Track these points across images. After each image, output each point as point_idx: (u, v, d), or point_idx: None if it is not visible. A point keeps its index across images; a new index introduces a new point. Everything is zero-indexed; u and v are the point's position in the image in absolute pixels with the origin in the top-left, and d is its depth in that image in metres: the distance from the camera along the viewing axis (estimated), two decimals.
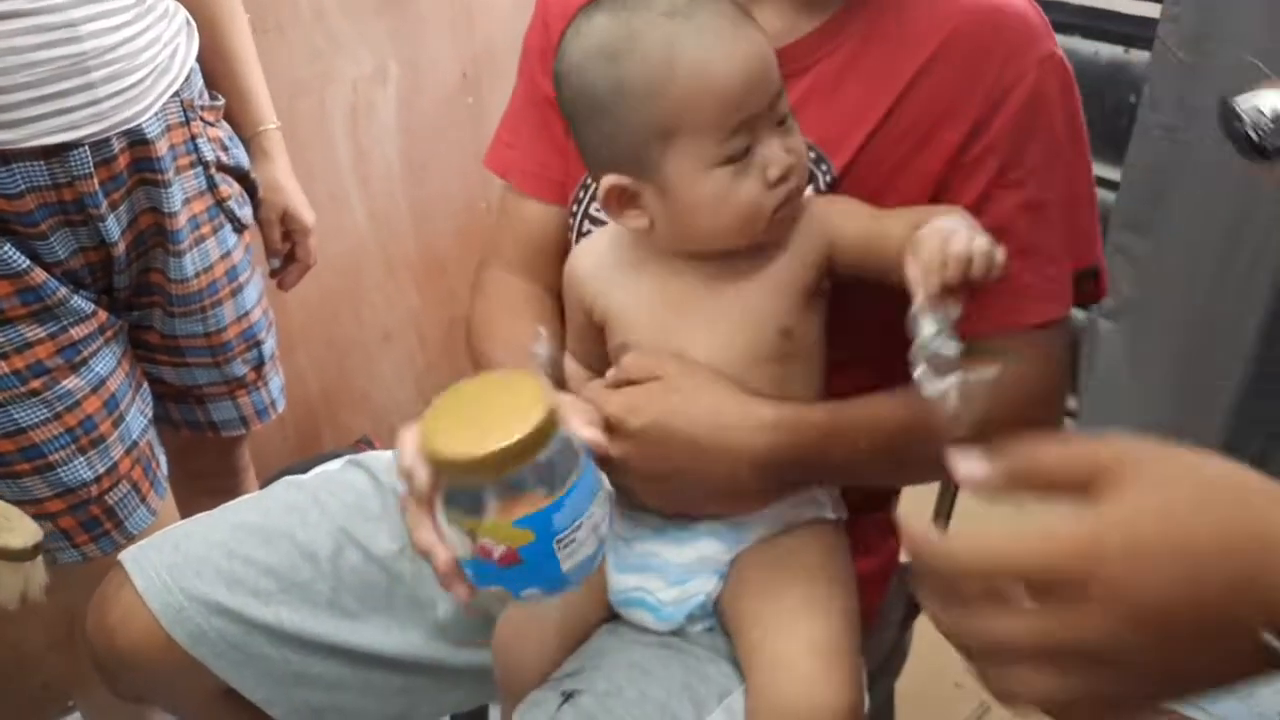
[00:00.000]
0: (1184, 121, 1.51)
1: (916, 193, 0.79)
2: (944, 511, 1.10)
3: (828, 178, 0.79)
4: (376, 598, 0.88)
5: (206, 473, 1.29)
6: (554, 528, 0.60)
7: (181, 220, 1.02)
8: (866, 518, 0.92)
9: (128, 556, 0.86)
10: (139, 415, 1.06)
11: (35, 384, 0.94)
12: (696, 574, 0.76)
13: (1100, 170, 1.71)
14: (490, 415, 0.61)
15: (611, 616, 0.81)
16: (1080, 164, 0.83)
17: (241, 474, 1.34)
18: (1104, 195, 1.68)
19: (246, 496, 0.95)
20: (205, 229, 1.07)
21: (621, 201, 0.73)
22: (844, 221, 0.74)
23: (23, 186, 0.89)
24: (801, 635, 0.71)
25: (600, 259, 0.79)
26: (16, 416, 0.94)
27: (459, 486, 0.62)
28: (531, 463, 0.59)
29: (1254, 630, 0.37)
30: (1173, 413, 1.69)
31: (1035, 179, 0.79)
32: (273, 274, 1.27)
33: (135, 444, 1.04)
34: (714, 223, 0.70)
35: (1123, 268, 1.68)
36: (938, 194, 0.79)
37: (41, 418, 0.95)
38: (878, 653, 1.00)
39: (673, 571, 0.76)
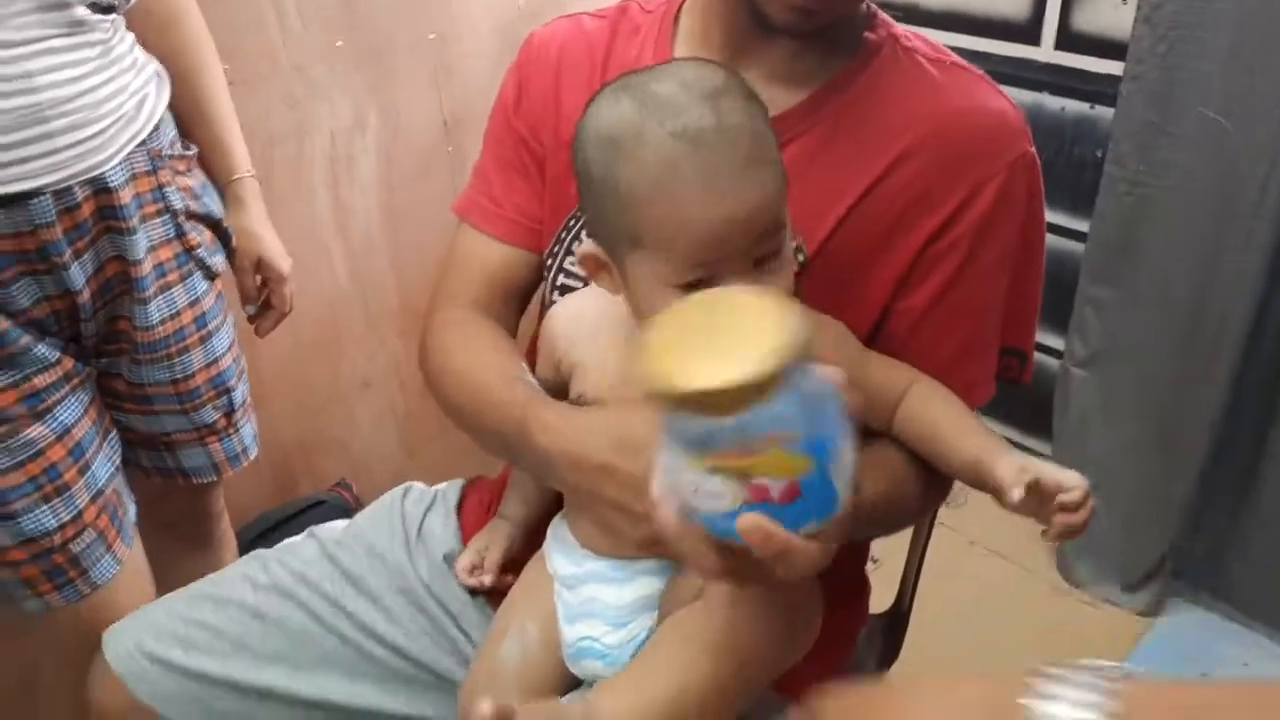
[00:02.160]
0: (1148, 176, 1.54)
1: (885, 279, 0.81)
2: (916, 562, 1.10)
3: (800, 258, 0.80)
4: (324, 653, 0.90)
5: (179, 520, 1.29)
6: (830, 445, 0.53)
7: (146, 267, 1.03)
8: (837, 577, 0.92)
9: (107, 633, 0.92)
10: (106, 463, 1.05)
11: None
12: (638, 614, 0.76)
13: (1069, 222, 1.76)
14: (724, 336, 0.52)
15: (572, 684, 0.81)
16: (1034, 262, 0.86)
17: (215, 520, 1.34)
18: (1073, 247, 1.72)
19: (212, 575, 0.98)
20: (172, 276, 1.07)
21: (595, 268, 0.74)
22: (834, 346, 0.76)
23: None
24: (675, 671, 0.69)
25: (579, 314, 0.81)
26: None
27: (720, 422, 0.51)
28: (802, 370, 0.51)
29: None
30: (1146, 457, 1.70)
31: (989, 277, 0.82)
32: (249, 320, 1.27)
33: (101, 492, 1.04)
34: None
35: (1092, 319, 1.70)
36: (902, 282, 0.81)
37: (4, 466, 0.95)
38: None
39: (615, 614, 0.77)
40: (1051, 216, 1.87)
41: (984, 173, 0.79)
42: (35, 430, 0.97)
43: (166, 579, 1.17)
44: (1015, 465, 0.68)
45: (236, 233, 1.19)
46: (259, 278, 1.23)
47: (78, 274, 0.97)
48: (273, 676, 0.88)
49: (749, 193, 0.66)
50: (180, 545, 1.31)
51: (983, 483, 0.71)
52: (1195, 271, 1.53)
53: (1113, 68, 1.63)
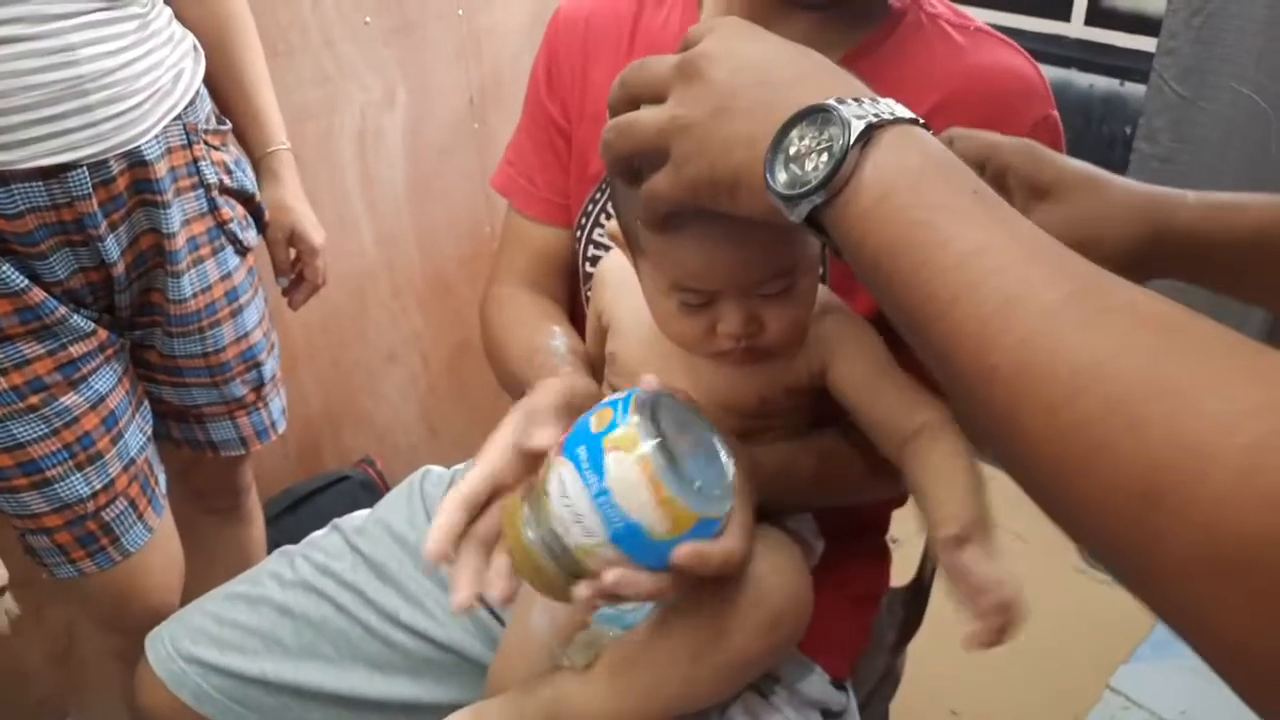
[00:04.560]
0: (1179, 153, 1.53)
1: None
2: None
3: None
4: (353, 645, 0.91)
5: (208, 491, 1.31)
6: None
7: (180, 241, 1.03)
8: (859, 543, 0.92)
9: (149, 637, 0.93)
10: (138, 433, 1.07)
11: (34, 400, 0.96)
12: None
13: None
14: None
15: None
16: None
17: (243, 493, 1.35)
18: None
19: (245, 573, 0.99)
20: (205, 250, 1.08)
21: (621, 245, 0.74)
22: (851, 358, 0.74)
23: (22, 207, 0.90)
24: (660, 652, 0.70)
25: (625, 269, 0.80)
26: (15, 432, 0.96)
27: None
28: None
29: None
30: None
31: None
32: (283, 293, 1.28)
33: (133, 461, 1.05)
34: (659, 327, 0.73)
35: None
36: None
37: (40, 434, 0.97)
38: (871, 676, 1.00)
39: None
40: None
41: (1008, 133, 0.78)
42: (70, 399, 0.98)
43: (195, 549, 1.19)
44: (949, 539, 0.62)
45: (271, 205, 1.19)
46: (292, 251, 1.24)
47: (113, 246, 0.98)
48: (306, 673, 0.89)
49: (745, 250, 0.65)
50: (209, 516, 1.33)
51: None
52: None
53: (1143, 44, 1.61)
